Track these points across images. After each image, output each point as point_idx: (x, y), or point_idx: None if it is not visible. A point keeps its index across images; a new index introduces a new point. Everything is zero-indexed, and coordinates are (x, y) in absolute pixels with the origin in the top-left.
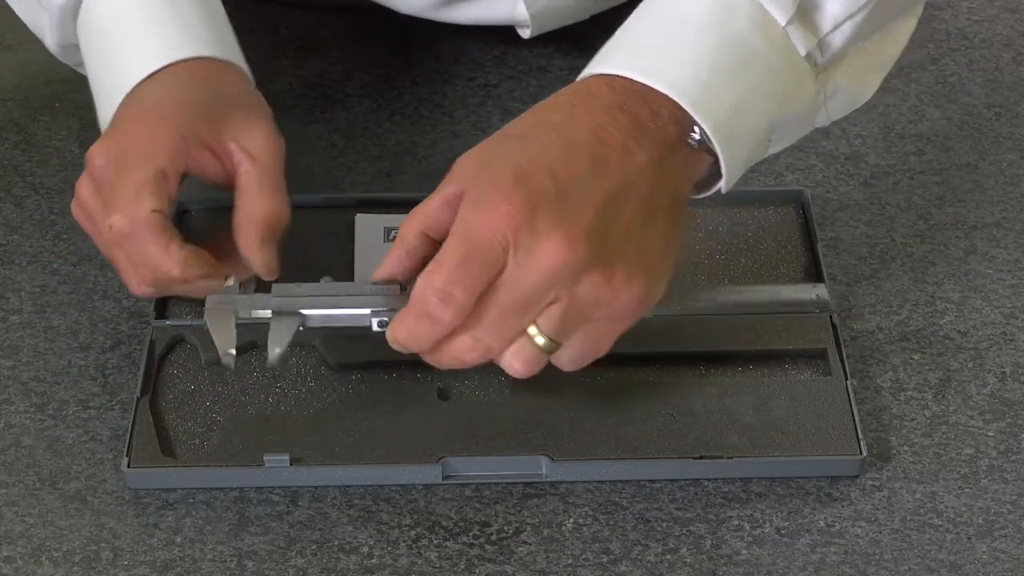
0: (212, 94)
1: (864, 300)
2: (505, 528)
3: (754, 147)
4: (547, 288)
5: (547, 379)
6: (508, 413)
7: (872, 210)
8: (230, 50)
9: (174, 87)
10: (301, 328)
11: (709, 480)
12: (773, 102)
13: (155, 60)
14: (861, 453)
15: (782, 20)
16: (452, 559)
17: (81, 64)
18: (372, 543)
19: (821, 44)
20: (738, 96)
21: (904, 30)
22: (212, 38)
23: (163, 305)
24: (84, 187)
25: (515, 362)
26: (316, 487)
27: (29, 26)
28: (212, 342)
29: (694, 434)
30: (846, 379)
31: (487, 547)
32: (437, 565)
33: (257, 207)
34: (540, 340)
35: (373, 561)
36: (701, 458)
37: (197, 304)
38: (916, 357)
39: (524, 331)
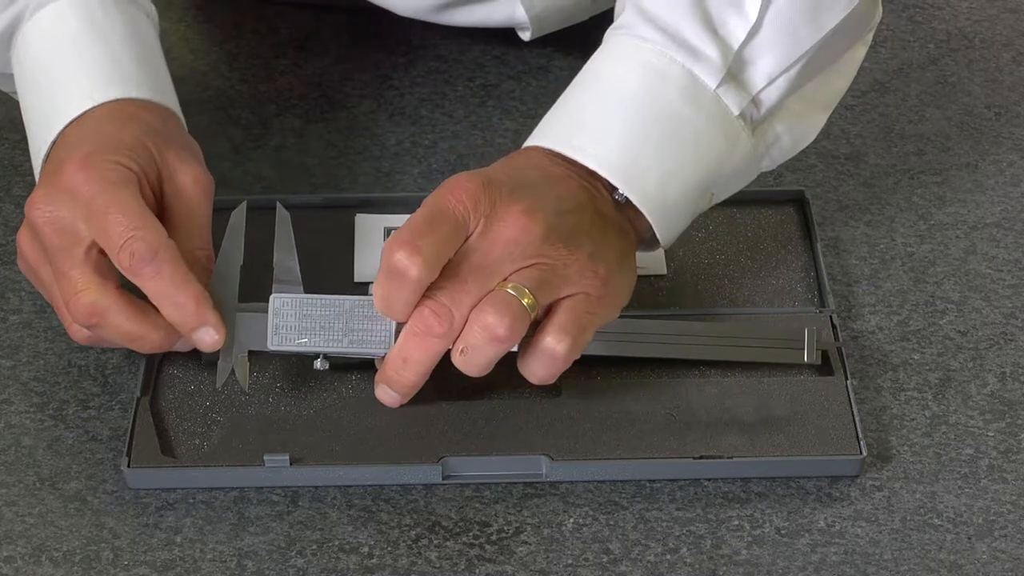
0: (143, 132)
1: (864, 300)
2: (505, 528)
3: (690, 207)
4: (509, 257)
5: None
6: (508, 413)
7: (872, 210)
8: (163, 93)
9: (108, 124)
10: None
11: (709, 480)
12: (703, 166)
13: (85, 101)
14: (861, 453)
15: (712, 84)
16: (452, 559)
17: (15, 92)
18: (372, 543)
19: (755, 101)
20: (666, 167)
21: (852, 62)
22: (144, 80)
23: None
24: (24, 239)
25: (502, 318)
26: (316, 487)
27: None
28: None
29: (694, 434)
30: (846, 379)
31: (487, 547)
32: (437, 565)
33: (183, 244)
34: (512, 290)
35: (373, 561)
36: (701, 458)
37: None
38: (916, 357)
39: (491, 290)
